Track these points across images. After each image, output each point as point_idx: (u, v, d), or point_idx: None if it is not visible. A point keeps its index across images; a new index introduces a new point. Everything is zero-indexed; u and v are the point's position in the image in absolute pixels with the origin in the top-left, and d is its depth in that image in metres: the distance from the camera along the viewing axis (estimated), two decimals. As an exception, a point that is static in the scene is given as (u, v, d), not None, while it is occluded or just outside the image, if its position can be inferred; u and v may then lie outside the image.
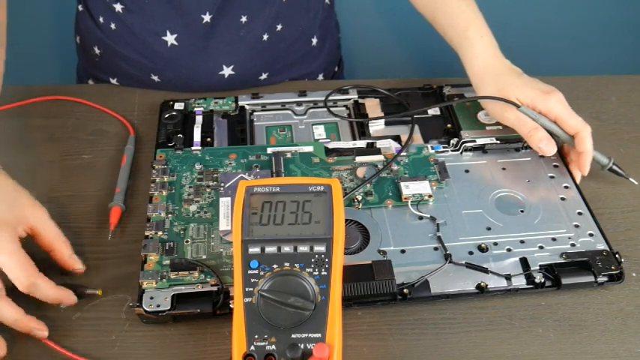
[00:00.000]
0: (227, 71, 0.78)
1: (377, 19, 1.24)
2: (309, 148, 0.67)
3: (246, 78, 0.80)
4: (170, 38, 0.76)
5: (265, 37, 0.78)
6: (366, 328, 0.54)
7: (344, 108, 0.73)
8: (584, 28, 1.28)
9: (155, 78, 0.80)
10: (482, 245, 0.58)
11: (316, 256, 0.48)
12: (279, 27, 0.79)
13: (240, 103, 0.73)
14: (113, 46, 0.79)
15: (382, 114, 0.71)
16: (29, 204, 0.55)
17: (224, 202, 0.60)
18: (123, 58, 0.79)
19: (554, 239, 0.59)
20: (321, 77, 0.89)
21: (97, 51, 0.81)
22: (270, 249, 0.48)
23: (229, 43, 0.77)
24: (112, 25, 0.77)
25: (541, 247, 0.58)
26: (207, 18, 0.74)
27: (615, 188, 0.66)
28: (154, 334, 0.53)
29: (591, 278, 0.56)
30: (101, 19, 0.78)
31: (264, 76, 0.81)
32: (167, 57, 0.77)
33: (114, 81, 0.82)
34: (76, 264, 0.56)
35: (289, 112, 0.73)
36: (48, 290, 0.52)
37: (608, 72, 0.82)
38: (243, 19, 0.76)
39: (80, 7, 0.81)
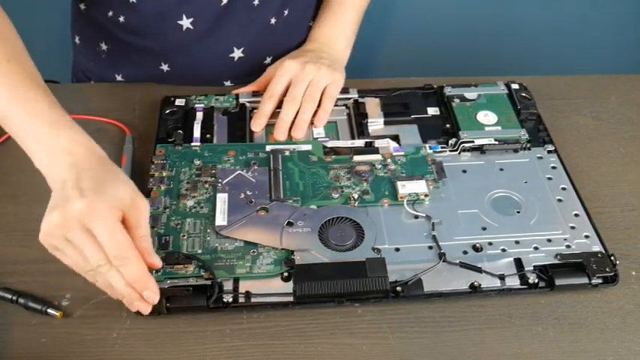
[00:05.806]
0: (237, 53, 0.79)
1: (377, 19, 1.25)
2: (307, 147, 0.67)
3: (253, 61, 0.81)
4: (186, 22, 0.76)
5: (273, 21, 0.79)
6: (366, 326, 0.54)
7: (344, 107, 0.74)
8: (584, 28, 1.27)
9: (164, 67, 0.80)
10: (477, 245, 0.58)
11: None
12: (286, 12, 0.80)
13: (241, 100, 0.73)
14: (123, 38, 0.78)
15: (382, 113, 0.71)
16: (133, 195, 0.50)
17: (221, 197, 0.61)
18: (134, 49, 0.79)
19: (549, 240, 0.59)
20: None
21: (103, 47, 0.81)
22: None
23: (242, 25, 0.78)
24: (121, 18, 0.76)
25: (536, 248, 0.58)
26: (224, 0, 0.74)
27: (615, 187, 0.66)
28: (155, 331, 0.53)
29: (585, 280, 0.56)
30: (110, 13, 0.76)
31: (268, 60, 0.82)
32: (180, 41, 0.77)
33: (119, 77, 0.82)
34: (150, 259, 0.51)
35: (289, 110, 0.73)
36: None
37: (608, 72, 0.81)
38: (256, 1, 0.76)
39: (82, 6, 0.79)
